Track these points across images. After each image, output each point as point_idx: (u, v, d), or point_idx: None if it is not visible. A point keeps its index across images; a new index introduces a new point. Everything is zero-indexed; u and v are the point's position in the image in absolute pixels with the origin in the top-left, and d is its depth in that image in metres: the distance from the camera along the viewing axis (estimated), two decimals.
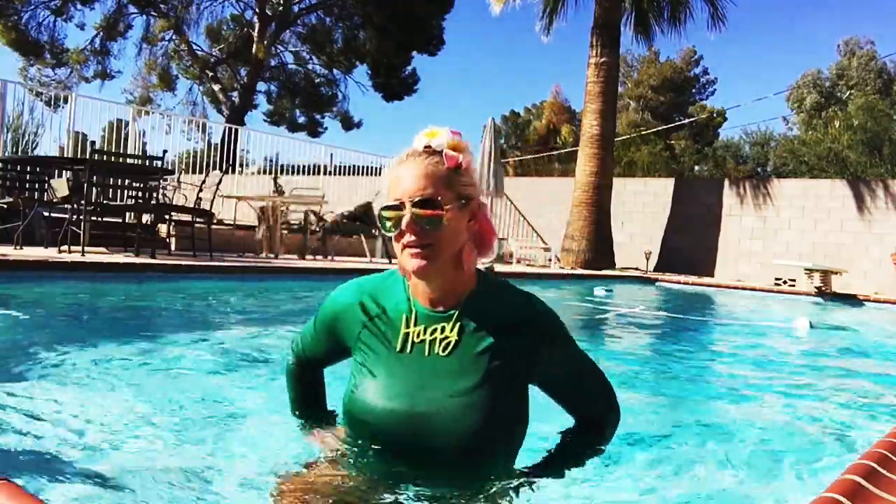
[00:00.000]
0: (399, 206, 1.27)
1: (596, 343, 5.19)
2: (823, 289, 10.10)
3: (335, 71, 24.03)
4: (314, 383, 1.67)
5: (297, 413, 1.65)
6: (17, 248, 6.18)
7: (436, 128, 1.33)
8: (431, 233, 1.26)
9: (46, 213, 6.81)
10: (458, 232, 1.31)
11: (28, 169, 7.65)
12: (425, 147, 1.31)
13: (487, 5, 15.22)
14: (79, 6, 20.99)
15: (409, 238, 1.27)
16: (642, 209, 14.88)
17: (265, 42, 21.46)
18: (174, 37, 22.79)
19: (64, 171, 7.85)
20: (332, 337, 1.49)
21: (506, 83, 72.46)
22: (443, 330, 1.34)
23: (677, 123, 28.47)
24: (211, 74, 23.50)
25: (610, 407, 1.56)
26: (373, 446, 1.36)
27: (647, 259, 13.18)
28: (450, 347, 1.33)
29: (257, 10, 21.75)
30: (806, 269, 10.64)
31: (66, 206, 6.78)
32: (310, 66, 24.30)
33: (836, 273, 10.42)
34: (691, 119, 30.08)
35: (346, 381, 1.44)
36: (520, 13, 25.49)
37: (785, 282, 12.34)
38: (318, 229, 9.63)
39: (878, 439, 1.62)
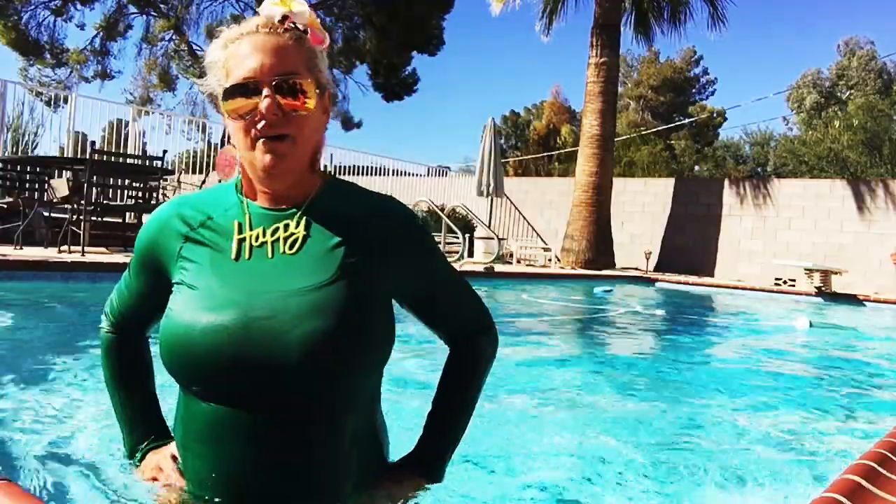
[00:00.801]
0: (253, 88, 1.04)
1: (596, 343, 5.19)
2: (823, 289, 10.10)
3: (335, 71, 24.03)
4: (138, 360, 1.32)
5: (122, 408, 1.31)
6: (17, 248, 6.18)
7: (290, 1, 1.11)
8: (293, 121, 1.06)
9: (46, 213, 6.81)
10: (317, 124, 1.12)
11: (28, 169, 7.66)
12: (284, 18, 1.09)
13: (487, 5, 15.23)
14: (79, 6, 20.97)
15: (263, 127, 1.04)
16: (642, 209, 14.88)
17: None
18: (174, 37, 22.78)
19: (64, 171, 7.86)
20: (150, 270, 1.18)
21: (506, 83, 72.50)
22: (286, 228, 1.11)
23: (677, 123, 28.47)
24: None
25: (485, 322, 1.33)
26: (202, 395, 1.06)
27: (647, 259, 13.18)
28: (297, 244, 1.10)
29: (257, 10, 21.75)
30: (806, 269, 10.64)
31: (66, 206, 6.79)
32: None
33: (836, 273, 10.42)
34: (691, 119, 30.08)
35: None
36: (520, 13, 25.50)
37: (785, 282, 12.34)
38: None
39: (878, 439, 1.62)
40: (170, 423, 1.26)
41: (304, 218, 1.12)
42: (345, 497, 1.12)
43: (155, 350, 1.21)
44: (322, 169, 1.21)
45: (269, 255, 1.10)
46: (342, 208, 1.15)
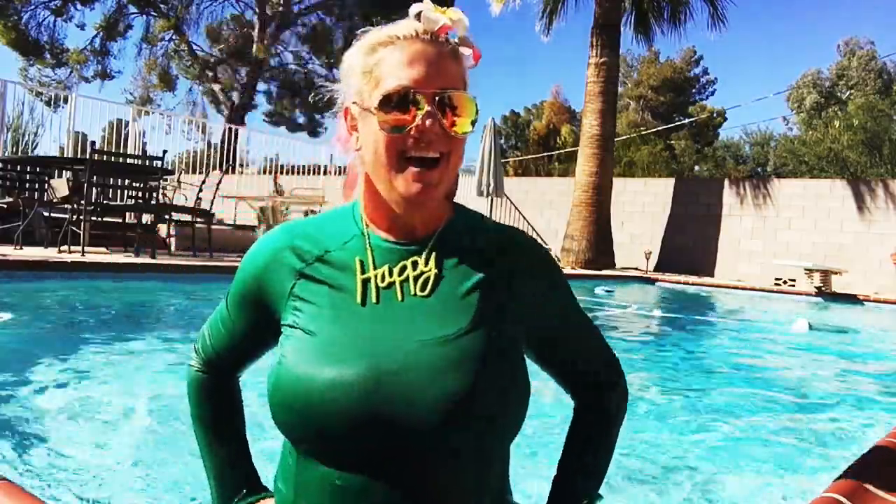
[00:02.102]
0: (412, 100, 0.91)
1: None
2: (823, 289, 10.10)
3: (335, 71, 24.03)
4: (231, 403, 1.16)
5: (212, 456, 1.13)
6: (17, 248, 6.18)
7: (447, 9, 0.98)
8: (449, 142, 0.94)
9: (46, 213, 6.81)
10: (463, 150, 0.98)
11: (28, 169, 7.66)
12: (442, 29, 0.96)
13: (487, 5, 15.21)
14: (79, 6, 21.00)
15: (420, 145, 0.92)
16: (642, 209, 14.87)
17: (265, 42, 21.46)
18: (174, 37, 22.79)
19: (64, 171, 7.85)
20: (255, 306, 1.04)
21: (505, 83, 72.46)
22: (415, 265, 0.98)
23: (677, 123, 28.47)
24: (211, 74, 23.51)
25: (618, 371, 1.17)
26: (321, 456, 0.91)
27: (647, 259, 13.18)
28: (430, 285, 0.96)
29: (257, 10, 21.76)
30: (806, 269, 10.64)
31: (66, 206, 6.79)
32: (310, 66, 24.31)
33: (836, 273, 10.42)
34: (691, 119, 30.07)
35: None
36: (520, 13, 25.47)
37: (785, 282, 12.34)
38: None
39: (878, 439, 1.62)
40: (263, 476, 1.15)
41: (433, 254, 0.99)
42: None
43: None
44: None
45: (399, 298, 0.96)
46: (469, 241, 1.02)
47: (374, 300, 0.95)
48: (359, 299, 0.95)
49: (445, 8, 0.97)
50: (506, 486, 1.04)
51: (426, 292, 0.96)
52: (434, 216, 1.01)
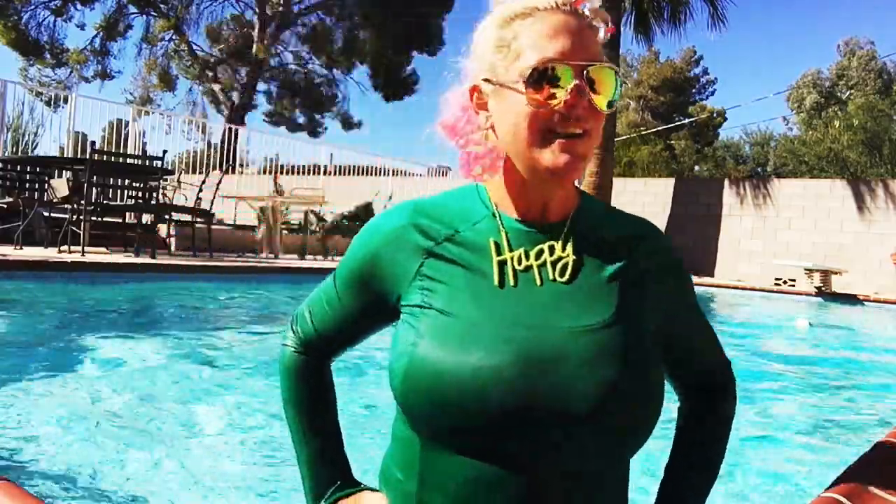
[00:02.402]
0: (560, 75, 0.86)
1: None
2: (823, 289, 10.10)
3: (335, 71, 24.04)
4: (327, 388, 1.10)
5: (307, 443, 1.06)
6: (17, 248, 6.18)
7: None
8: (596, 117, 0.89)
9: (46, 213, 6.81)
10: (601, 127, 0.93)
11: (28, 169, 7.66)
12: (578, 0, 0.91)
13: (487, 5, 15.20)
14: (79, 6, 21.00)
15: (569, 122, 0.87)
16: (642, 209, 14.87)
17: (265, 42, 21.46)
18: (174, 37, 22.79)
19: (64, 171, 7.86)
20: (369, 287, 0.98)
21: None
22: (552, 250, 0.93)
23: (677, 123, 28.47)
24: (211, 74, 23.51)
25: (731, 373, 1.13)
26: (458, 447, 0.86)
27: None
28: (569, 270, 0.92)
29: (257, 10, 21.76)
30: (806, 269, 10.64)
31: (66, 206, 6.79)
32: (310, 66, 24.32)
33: (836, 273, 10.42)
34: (691, 119, 30.07)
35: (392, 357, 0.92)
36: None
37: (785, 282, 12.34)
38: (317, 229, 9.64)
39: (878, 439, 1.62)
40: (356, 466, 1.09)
41: (569, 240, 0.94)
42: None
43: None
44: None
45: (538, 283, 0.91)
46: (603, 230, 0.98)
47: (511, 283, 0.90)
48: (496, 281, 0.90)
49: None
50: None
51: (565, 278, 0.91)
52: (567, 200, 0.97)
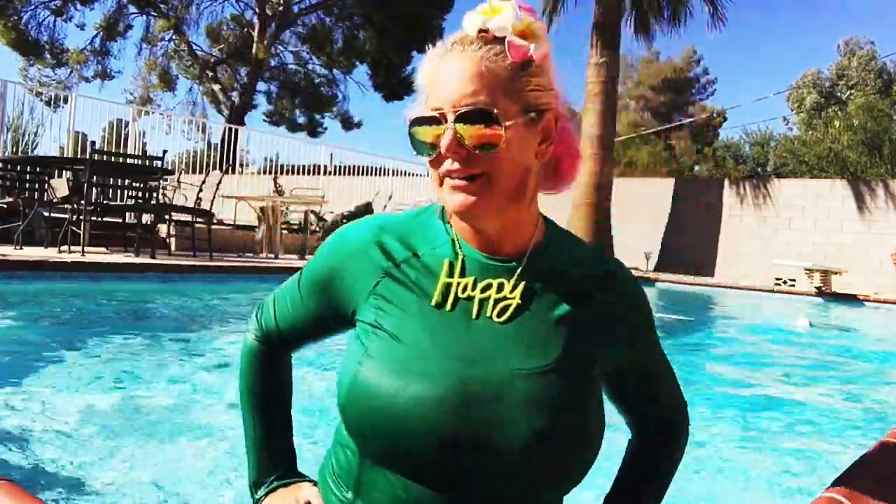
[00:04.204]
0: (438, 120, 0.87)
1: None
2: (823, 289, 10.09)
3: (335, 71, 24.03)
4: (282, 379, 1.14)
5: (255, 430, 1.11)
6: (17, 248, 6.18)
7: (497, 2, 0.89)
8: (483, 159, 0.87)
9: (46, 213, 6.81)
10: (523, 158, 0.90)
11: (28, 169, 7.65)
12: (480, 32, 0.89)
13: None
14: (79, 6, 20.99)
15: (451, 165, 0.87)
16: (642, 209, 14.87)
17: (265, 42, 21.45)
18: (174, 37, 22.78)
19: (64, 171, 7.85)
20: (328, 295, 1.01)
21: None
22: (500, 288, 0.93)
23: (677, 123, 28.47)
24: (211, 74, 23.50)
25: (682, 405, 1.15)
26: (388, 463, 0.89)
27: (647, 259, 13.18)
28: (508, 312, 0.92)
29: (257, 10, 21.75)
30: (806, 269, 10.64)
31: (66, 206, 6.79)
32: (310, 66, 24.30)
33: (836, 273, 10.42)
34: (691, 119, 30.07)
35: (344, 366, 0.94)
36: None
37: (785, 282, 12.34)
38: (318, 229, 9.64)
39: (878, 439, 1.62)
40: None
41: (522, 282, 0.93)
42: None
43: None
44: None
45: (474, 315, 0.92)
46: (564, 267, 0.97)
47: (448, 307, 0.92)
48: (435, 300, 0.92)
49: (493, 6, 0.89)
50: None
51: (502, 319, 0.91)
52: (520, 230, 0.95)
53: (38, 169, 7.64)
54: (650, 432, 1.12)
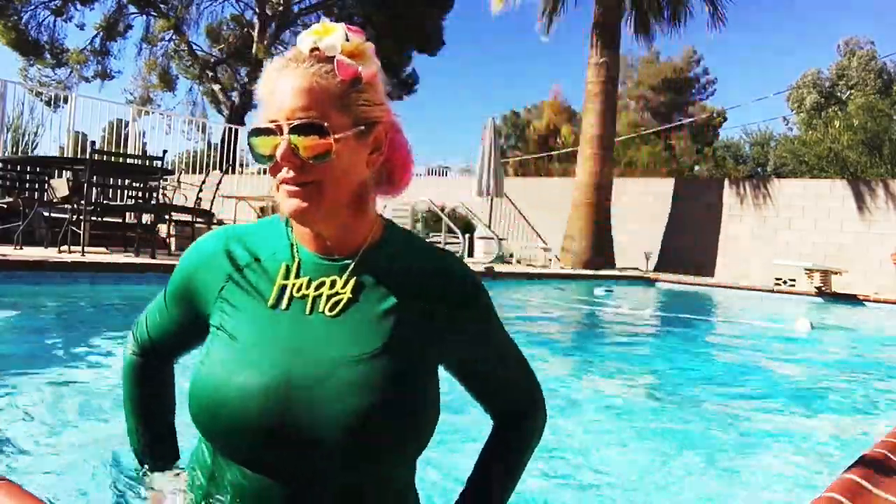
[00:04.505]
0: (274, 131, 0.95)
1: (595, 344, 5.19)
2: (823, 289, 10.09)
3: None
4: (162, 388, 1.24)
5: (135, 433, 1.21)
6: (17, 248, 6.18)
7: (329, 23, 1.01)
8: (315, 168, 0.95)
9: (46, 213, 6.81)
10: (354, 167, 0.99)
11: (28, 169, 7.65)
12: (312, 50, 0.98)
13: (487, 5, 15.21)
14: (79, 6, 21.00)
15: (286, 174, 0.95)
16: (642, 209, 14.87)
17: (265, 42, 21.45)
18: (174, 37, 22.79)
19: (64, 171, 7.85)
20: (187, 302, 1.10)
21: (506, 83, 72.50)
22: (332, 284, 1.02)
23: (677, 123, 28.47)
24: (211, 74, 23.51)
25: (536, 402, 1.23)
26: (230, 454, 0.98)
27: (647, 259, 13.18)
28: (339, 306, 1.00)
29: (257, 10, 21.76)
30: (806, 269, 10.64)
31: (66, 206, 6.78)
32: None
33: (836, 273, 10.42)
34: (691, 119, 30.07)
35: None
36: (519, 13, 25.51)
37: (785, 282, 12.33)
38: None
39: (878, 439, 1.62)
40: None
41: (354, 278, 1.02)
42: None
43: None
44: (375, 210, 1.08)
45: (307, 312, 1.01)
46: (398, 263, 1.05)
47: (283, 307, 1.01)
48: (271, 302, 1.01)
49: (325, 27, 1.00)
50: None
51: (334, 312, 1.00)
52: (355, 231, 1.04)
53: (38, 169, 7.63)
54: (502, 420, 1.20)
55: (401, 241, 1.09)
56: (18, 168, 7.67)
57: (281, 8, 21.76)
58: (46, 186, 7.49)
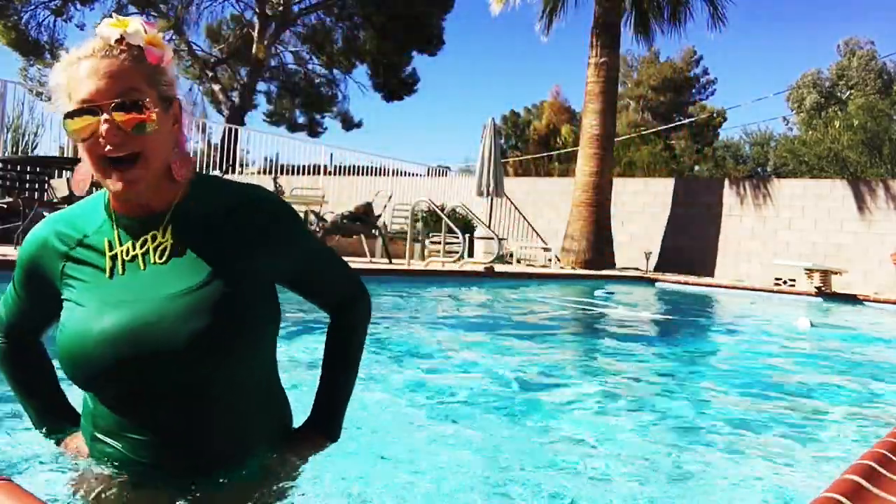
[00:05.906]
0: (93, 111, 1.08)
1: (595, 343, 5.19)
2: (823, 289, 10.09)
3: (335, 71, 24.03)
4: (35, 363, 1.40)
5: (29, 407, 1.40)
6: (18, 248, 6.18)
7: (121, 17, 1.16)
8: (137, 140, 1.09)
9: (46, 213, 6.80)
10: (164, 137, 1.15)
11: (28, 169, 7.65)
12: (118, 40, 1.12)
13: (487, 5, 15.21)
14: (79, 6, 20.98)
15: (109, 149, 1.09)
16: (642, 209, 14.87)
17: (265, 42, 21.45)
18: (174, 37, 22.76)
19: (64, 171, 7.85)
20: (35, 286, 1.25)
21: (506, 83, 72.52)
22: (154, 238, 1.18)
23: (677, 123, 28.48)
24: (211, 74, 23.49)
25: (361, 286, 1.48)
26: (102, 396, 1.17)
27: (647, 259, 13.18)
28: (167, 253, 1.17)
29: (257, 10, 21.74)
30: (806, 269, 10.64)
31: (66, 206, 6.78)
32: (310, 66, 24.30)
33: (836, 273, 10.42)
34: (691, 119, 30.07)
35: None
36: (520, 13, 25.47)
37: (785, 282, 12.34)
38: (318, 229, 9.63)
39: (878, 439, 1.62)
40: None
41: (170, 226, 1.18)
42: (254, 460, 1.24)
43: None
44: (186, 176, 1.23)
45: (142, 267, 1.17)
46: (208, 206, 1.21)
47: (120, 272, 1.17)
48: (108, 274, 1.16)
49: (120, 21, 1.15)
50: (273, 398, 1.33)
51: (164, 259, 1.17)
52: (166, 193, 1.19)
53: (38, 169, 7.63)
54: (339, 308, 1.45)
55: (211, 185, 1.26)
56: (18, 168, 7.67)
57: (281, 8, 21.74)
58: (46, 186, 7.49)
